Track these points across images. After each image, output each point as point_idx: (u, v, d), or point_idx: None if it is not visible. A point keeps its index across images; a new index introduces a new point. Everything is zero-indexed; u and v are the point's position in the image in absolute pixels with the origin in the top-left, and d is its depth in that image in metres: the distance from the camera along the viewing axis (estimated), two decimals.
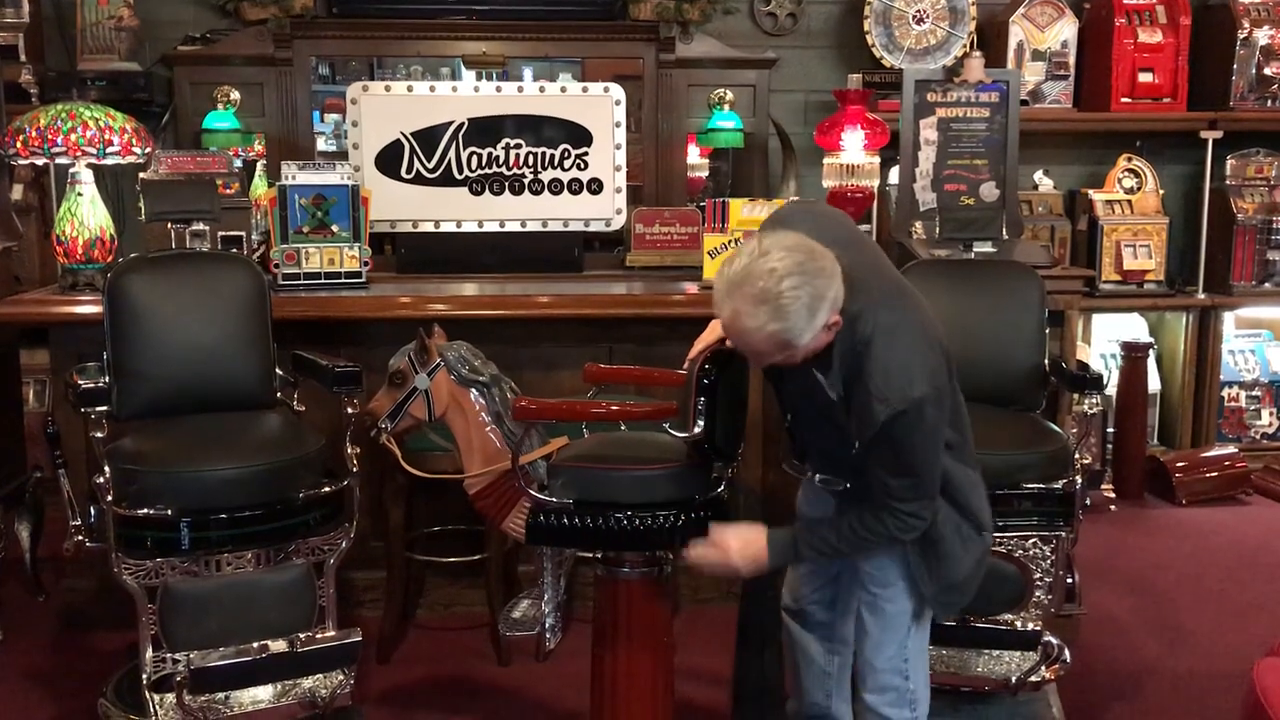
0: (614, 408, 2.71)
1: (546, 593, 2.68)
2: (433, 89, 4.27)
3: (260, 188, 4.43)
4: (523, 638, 3.06)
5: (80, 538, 2.95)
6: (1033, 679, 2.98)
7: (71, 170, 3.62)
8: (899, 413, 2.09)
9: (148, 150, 3.71)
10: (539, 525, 2.50)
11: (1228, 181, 5.50)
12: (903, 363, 2.12)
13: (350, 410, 3.07)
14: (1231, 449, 5.35)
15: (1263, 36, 5.33)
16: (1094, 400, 3.21)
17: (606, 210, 4.24)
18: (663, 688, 2.62)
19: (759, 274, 2.01)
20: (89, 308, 3.43)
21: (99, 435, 2.91)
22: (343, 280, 3.80)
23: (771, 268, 2.01)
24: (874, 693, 2.43)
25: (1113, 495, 5.11)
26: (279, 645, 2.85)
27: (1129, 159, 5.51)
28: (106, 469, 2.80)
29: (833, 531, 2.31)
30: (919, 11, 5.31)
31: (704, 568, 2.39)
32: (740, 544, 2.33)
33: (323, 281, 3.78)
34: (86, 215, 3.61)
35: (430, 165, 4.15)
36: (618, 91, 4.24)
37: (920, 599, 2.38)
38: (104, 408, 2.98)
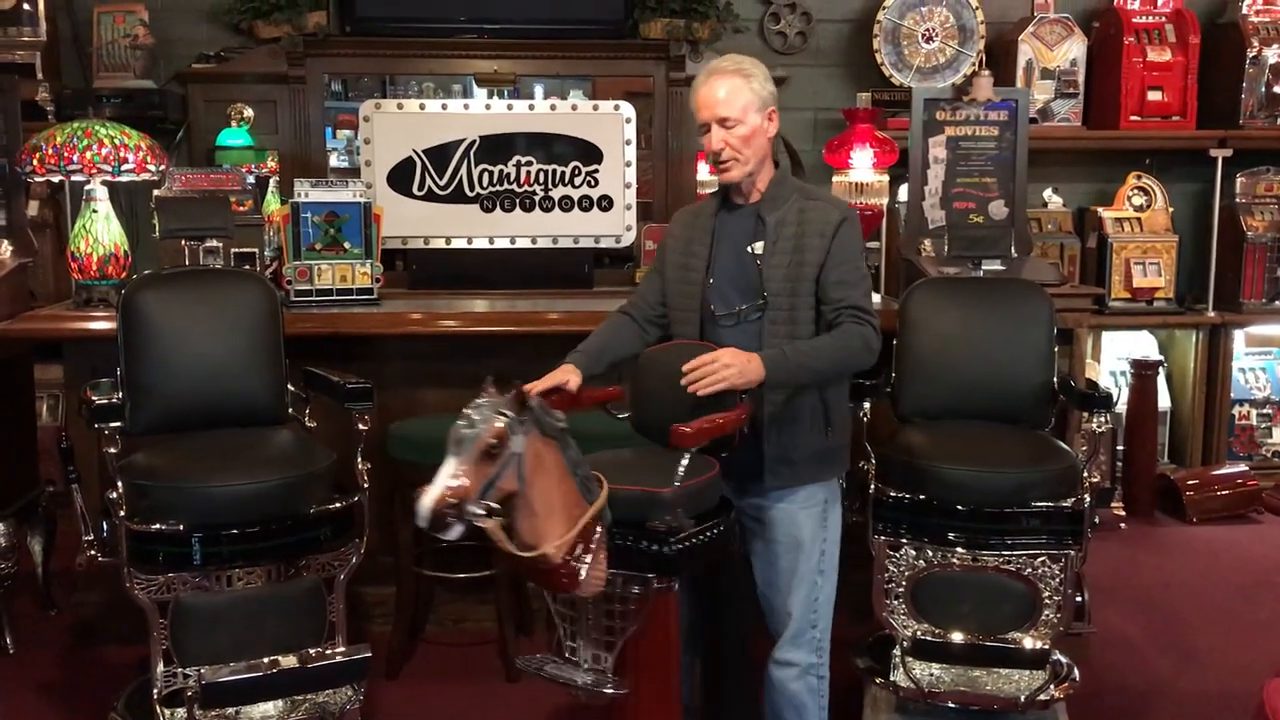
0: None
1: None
2: (444, 106, 4.31)
3: (273, 204, 4.45)
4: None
5: (92, 552, 2.95)
6: (1041, 698, 2.98)
7: (86, 187, 3.64)
8: (846, 218, 2.66)
9: (162, 167, 3.74)
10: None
11: (1237, 199, 5.50)
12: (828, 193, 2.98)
13: (362, 427, 3.08)
14: (1242, 467, 5.34)
15: (1272, 55, 5.34)
16: (1103, 418, 3.20)
17: (617, 227, 4.26)
18: (674, 698, 2.62)
19: (736, 57, 2.75)
20: (103, 324, 3.45)
21: (112, 450, 2.92)
22: (354, 297, 3.82)
23: (744, 58, 2.76)
24: (788, 643, 2.70)
25: (1123, 513, 5.10)
26: (289, 660, 2.85)
27: (1138, 177, 5.52)
28: (119, 484, 2.82)
29: (826, 338, 2.60)
30: (928, 30, 5.33)
31: (704, 379, 2.46)
32: (731, 355, 2.49)
33: (335, 298, 3.80)
34: (101, 232, 3.63)
35: (442, 182, 4.17)
36: (628, 109, 4.27)
37: (825, 542, 2.72)
38: (117, 423, 2.98)
